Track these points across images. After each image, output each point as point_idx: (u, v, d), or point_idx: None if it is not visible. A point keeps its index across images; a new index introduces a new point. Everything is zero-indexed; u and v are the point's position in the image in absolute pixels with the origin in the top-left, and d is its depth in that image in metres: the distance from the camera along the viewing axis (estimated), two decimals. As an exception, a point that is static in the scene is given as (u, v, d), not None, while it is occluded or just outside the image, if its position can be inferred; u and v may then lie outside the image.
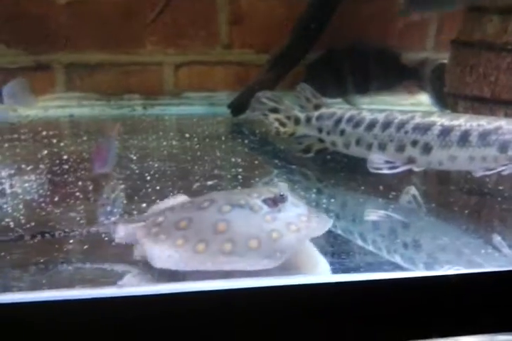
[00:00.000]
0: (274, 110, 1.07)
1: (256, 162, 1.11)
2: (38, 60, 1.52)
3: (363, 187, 0.93)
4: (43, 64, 1.52)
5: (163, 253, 0.57)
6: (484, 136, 0.83)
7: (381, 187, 0.91)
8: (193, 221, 0.59)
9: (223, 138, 1.27)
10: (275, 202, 0.60)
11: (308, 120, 1.02)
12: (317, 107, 1.02)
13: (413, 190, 0.92)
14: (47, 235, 0.63)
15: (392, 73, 1.46)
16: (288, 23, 1.48)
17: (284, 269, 0.57)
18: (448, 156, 0.85)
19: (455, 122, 0.85)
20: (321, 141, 1.02)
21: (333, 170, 1.03)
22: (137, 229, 0.62)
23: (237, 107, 1.44)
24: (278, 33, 1.50)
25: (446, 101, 1.29)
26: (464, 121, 0.85)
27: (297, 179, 1.01)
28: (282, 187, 0.63)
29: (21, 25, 1.47)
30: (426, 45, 1.61)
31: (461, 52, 1.17)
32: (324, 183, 0.99)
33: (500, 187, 0.91)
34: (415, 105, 1.56)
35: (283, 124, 1.07)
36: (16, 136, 1.21)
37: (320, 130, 1.00)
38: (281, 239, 0.56)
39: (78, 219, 0.75)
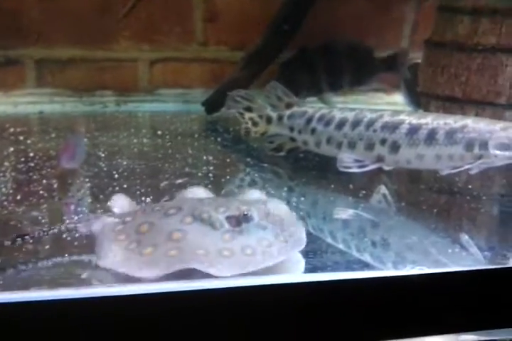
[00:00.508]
0: (248, 109, 1.06)
1: (228, 160, 1.10)
2: (7, 55, 1.48)
3: (333, 186, 0.93)
4: (13, 59, 1.49)
5: (112, 253, 0.56)
6: (451, 134, 0.83)
7: (351, 186, 0.91)
8: (154, 226, 0.59)
9: (196, 136, 1.26)
10: (238, 221, 0.57)
11: (280, 119, 1.01)
12: (289, 106, 1.01)
13: (383, 189, 0.92)
14: (26, 237, 0.62)
15: (364, 68, 1.46)
16: (263, 20, 1.47)
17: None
18: (415, 155, 0.85)
19: (422, 121, 0.86)
20: (292, 139, 1.02)
21: (305, 169, 1.02)
22: (106, 225, 0.61)
23: (211, 105, 1.43)
24: (253, 31, 1.49)
25: (419, 101, 1.30)
26: (431, 120, 0.86)
27: (269, 177, 1.01)
28: (257, 203, 0.61)
29: (-10, 19, 1.44)
30: (401, 44, 1.62)
31: (433, 53, 1.18)
32: (295, 182, 0.99)
33: (470, 186, 0.92)
34: (391, 104, 1.57)
35: (255, 124, 1.06)
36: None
37: (291, 129, 1.00)
38: (231, 259, 0.54)
39: (40, 218, 0.73)
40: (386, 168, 0.91)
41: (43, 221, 0.72)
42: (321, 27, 1.48)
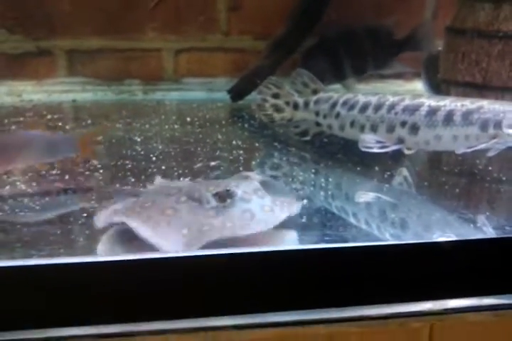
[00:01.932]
0: (276, 96, 1.10)
1: (256, 144, 1.15)
2: (39, 46, 1.54)
3: (358, 168, 0.97)
4: (44, 49, 1.55)
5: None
6: (467, 115, 0.86)
7: (376, 168, 0.96)
8: (154, 203, 0.65)
9: (223, 123, 1.31)
10: (222, 197, 0.62)
11: (307, 105, 1.06)
12: (315, 92, 1.06)
13: (405, 171, 0.96)
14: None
15: (386, 51, 1.49)
16: (286, 10, 1.51)
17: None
18: (434, 136, 0.89)
19: (441, 103, 0.89)
20: (317, 124, 1.06)
21: (330, 153, 1.07)
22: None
23: (237, 93, 1.47)
24: (276, 20, 1.53)
25: (439, 87, 1.33)
26: (449, 102, 0.89)
27: (295, 161, 1.05)
28: (250, 178, 0.67)
29: (23, 12, 1.50)
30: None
31: (454, 39, 1.21)
32: (321, 165, 1.03)
33: (490, 168, 0.96)
34: (410, 91, 1.60)
35: (279, 110, 1.10)
36: (21, 119, 1.24)
37: (317, 114, 1.04)
38: (208, 232, 0.59)
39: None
40: (407, 152, 0.94)
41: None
42: (342, 14, 1.52)
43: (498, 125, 0.84)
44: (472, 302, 0.60)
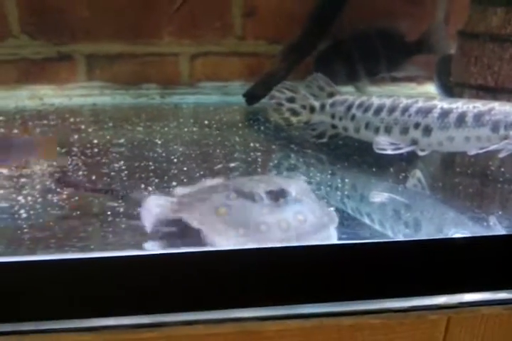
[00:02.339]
0: (291, 100, 1.13)
1: (273, 147, 1.18)
2: (60, 51, 1.59)
3: (374, 169, 1.00)
4: (65, 54, 1.59)
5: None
6: (478, 116, 0.89)
7: (391, 170, 0.99)
8: (204, 200, 0.66)
9: (240, 125, 1.34)
10: (276, 196, 0.62)
11: (323, 107, 1.09)
12: (331, 95, 1.09)
13: (418, 173, 0.98)
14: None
15: (398, 53, 1.51)
16: (300, 14, 1.54)
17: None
18: (446, 137, 0.91)
19: (453, 105, 0.92)
20: (333, 127, 1.09)
21: (346, 154, 1.10)
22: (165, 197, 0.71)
23: (252, 96, 1.50)
24: (290, 25, 1.56)
25: (452, 90, 1.35)
26: (461, 104, 0.91)
27: (312, 162, 1.08)
28: (297, 180, 0.68)
29: (44, 17, 1.54)
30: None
31: (466, 43, 1.24)
32: (337, 166, 1.06)
33: (502, 169, 0.99)
34: (422, 94, 1.62)
35: (296, 113, 1.13)
36: (45, 122, 1.29)
37: (333, 116, 1.07)
38: (267, 233, 0.60)
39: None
40: (421, 153, 0.96)
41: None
42: (355, 18, 1.55)
43: (508, 126, 0.86)
44: (486, 296, 0.62)
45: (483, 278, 0.62)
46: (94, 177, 0.91)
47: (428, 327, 0.61)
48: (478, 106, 0.90)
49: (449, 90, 1.39)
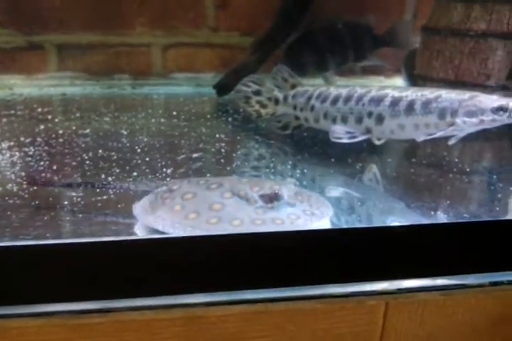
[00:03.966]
0: (257, 92, 1.15)
1: (238, 138, 1.19)
2: (30, 41, 1.58)
3: (333, 160, 1.02)
4: (35, 44, 1.59)
5: (159, 215, 0.66)
6: (426, 104, 0.91)
7: (349, 160, 1.01)
8: (196, 196, 0.69)
9: (208, 117, 1.36)
10: (270, 198, 0.66)
11: (286, 99, 1.11)
12: (294, 86, 1.10)
13: (374, 168, 1.00)
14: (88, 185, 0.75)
15: (365, 44, 1.55)
16: (272, 7, 1.56)
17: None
18: (397, 125, 0.93)
19: (403, 93, 0.94)
20: (296, 118, 1.11)
21: (308, 145, 1.12)
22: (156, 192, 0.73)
23: (222, 88, 1.52)
24: (263, 17, 1.57)
25: (416, 83, 1.38)
26: (410, 92, 0.94)
27: (275, 153, 1.10)
28: (288, 184, 0.71)
29: (15, 6, 1.53)
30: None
31: (429, 38, 1.26)
32: (299, 157, 1.08)
33: (456, 160, 1.02)
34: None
35: (264, 106, 1.15)
36: (12, 112, 1.29)
37: (295, 107, 1.09)
38: (262, 226, 0.63)
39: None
40: (377, 142, 0.98)
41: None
42: (325, 12, 1.57)
43: (454, 113, 0.89)
44: (424, 282, 0.65)
45: (422, 265, 0.64)
46: (55, 168, 0.92)
47: (367, 312, 0.63)
48: (426, 94, 0.92)
49: (415, 83, 1.42)
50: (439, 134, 0.90)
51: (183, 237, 0.58)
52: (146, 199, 0.73)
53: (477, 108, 0.89)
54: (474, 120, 0.89)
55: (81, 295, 0.58)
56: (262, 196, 0.67)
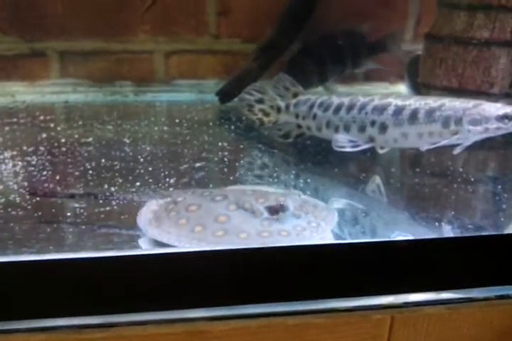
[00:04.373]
0: (260, 101, 1.14)
1: (241, 146, 1.19)
2: (33, 47, 1.58)
3: (336, 170, 1.02)
4: (38, 51, 1.59)
5: (164, 228, 0.66)
6: (430, 113, 0.91)
7: (353, 169, 1.01)
8: (201, 208, 0.68)
9: (211, 124, 1.35)
10: (276, 210, 0.66)
11: (287, 107, 1.10)
12: (295, 95, 1.10)
13: (378, 179, 0.99)
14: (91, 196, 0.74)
15: (360, 52, 1.56)
16: (274, 13, 1.56)
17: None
18: (401, 134, 0.93)
19: (407, 102, 0.93)
20: (299, 126, 1.10)
21: (311, 154, 1.11)
22: (158, 203, 0.73)
23: (225, 95, 1.51)
24: (264, 24, 1.57)
25: (420, 91, 1.38)
26: (413, 101, 0.93)
27: (278, 162, 1.10)
28: (293, 195, 0.71)
29: (17, 13, 1.54)
30: (405, 37, 1.70)
31: (432, 46, 1.26)
32: (301, 166, 1.08)
33: (461, 170, 1.01)
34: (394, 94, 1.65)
35: (267, 114, 1.15)
36: (15, 120, 1.29)
37: (297, 116, 1.09)
38: (269, 238, 0.63)
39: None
40: (380, 151, 0.98)
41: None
42: (327, 20, 1.57)
43: (458, 121, 0.89)
44: (429, 296, 0.65)
45: (427, 279, 0.64)
46: (57, 178, 0.91)
47: (372, 326, 0.63)
48: (430, 102, 0.92)
49: (419, 90, 1.42)
50: (443, 143, 0.90)
51: (185, 252, 0.57)
52: (150, 210, 0.73)
53: (481, 116, 0.88)
54: (479, 128, 0.88)
55: (83, 310, 0.58)
56: (267, 208, 0.67)
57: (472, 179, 0.98)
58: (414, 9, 1.67)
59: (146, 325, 0.59)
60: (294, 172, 1.03)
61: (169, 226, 0.66)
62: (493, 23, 1.14)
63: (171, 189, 0.86)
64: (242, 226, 0.64)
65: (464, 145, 0.90)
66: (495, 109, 0.89)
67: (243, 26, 1.66)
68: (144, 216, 0.71)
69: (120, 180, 0.92)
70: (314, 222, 0.67)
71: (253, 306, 0.60)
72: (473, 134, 0.89)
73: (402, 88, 1.67)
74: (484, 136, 0.90)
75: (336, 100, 1.02)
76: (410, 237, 0.64)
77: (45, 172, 0.94)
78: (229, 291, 0.59)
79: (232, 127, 1.33)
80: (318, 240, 0.65)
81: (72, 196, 0.79)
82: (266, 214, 0.66)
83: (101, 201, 0.78)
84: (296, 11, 1.53)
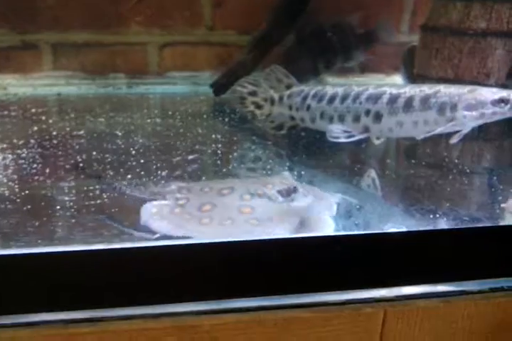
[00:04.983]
0: (253, 93, 1.13)
1: (235, 138, 1.18)
2: (25, 40, 1.56)
3: (331, 161, 1.01)
4: (30, 43, 1.57)
5: (188, 231, 0.63)
6: (425, 100, 0.89)
7: (348, 161, 1.00)
8: (216, 206, 0.67)
9: (205, 116, 1.34)
10: (288, 192, 0.68)
11: (281, 99, 1.09)
12: (289, 87, 1.09)
13: (373, 173, 0.98)
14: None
15: (350, 44, 1.54)
16: (269, 5, 1.54)
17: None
18: (396, 122, 0.91)
19: (401, 90, 0.92)
20: (292, 118, 1.09)
21: (305, 146, 1.10)
22: (161, 206, 0.70)
23: (219, 87, 1.50)
24: (260, 15, 1.55)
25: (416, 81, 1.36)
26: (408, 89, 0.91)
27: (271, 154, 1.09)
28: (286, 177, 0.74)
29: (9, 5, 1.51)
30: (401, 28, 1.68)
31: (428, 36, 1.25)
32: (296, 158, 1.06)
33: (456, 161, 1.00)
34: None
35: (260, 107, 1.13)
36: (5, 112, 1.27)
37: (290, 107, 1.07)
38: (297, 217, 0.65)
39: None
40: (376, 142, 0.96)
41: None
42: (322, 12, 1.55)
43: (454, 107, 0.87)
44: (422, 289, 0.64)
45: (420, 272, 0.63)
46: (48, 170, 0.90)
47: (364, 320, 0.62)
48: (425, 89, 0.90)
49: (415, 81, 1.41)
50: (438, 130, 0.88)
51: (172, 245, 0.56)
52: (153, 209, 0.69)
53: (477, 101, 0.86)
54: (474, 113, 0.86)
55: (69, 305, 0.57)
56: (279, 191, 0.68)
57: (467, 170, 0.97)
58: (410, 0, 1.65)
59: (133, 320, 0.58)
60: (287, 164, 1.02)
61: (195, 228, 0.64)
62: (490, 13, 1.13)
63: (161, 186, 0.83)
64: (269, 212, 0.65)
65: (461, 133, 0.88)
66: (490, 93, 0.87)
67: (238, 18, 1.64)
68: (148, 215, 0.68)
69: (111, 173, 0.90)
70: (319, 198, 0.70)
71: (243, 300, 0.59)
72: (469, 120, 0.87)
73: (398, 79, 1.66)
74: (480, 121, 0.88)
75: (329, 90, 1.00)
76: (403, 229, 0.63)
77: (35, 165, 0.92)
78: (218, 285, 0.58)
79: (226, 119, 1.31)
80: (321, 225, 0.65)
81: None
82: (281, 198, 0.68)
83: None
84: (291, 3, 1.51)
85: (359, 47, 1.55)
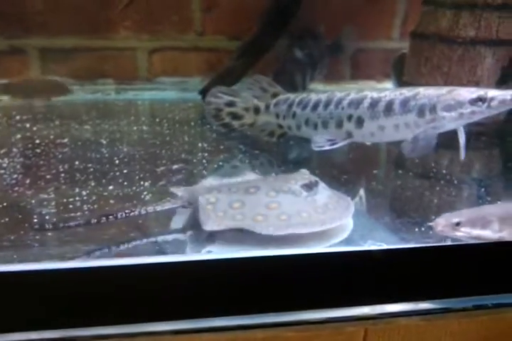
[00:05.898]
0: (230, 104, 1.11)
1: (221, 147, 1.16)
2: (12, 44, 1.54)
3: (317, 171, 0.99)
4: (17, 48, 1.55)
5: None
6: (404, 103, 0.88)
7: (335, 172, 0.99)
8: (245, 203, 0.69)
9: (193, 124, 1.32)
10: (310, 186, 0.71)
11: (267, 108, 1.08)
12: (275, 95, 1.08)
13: (361, 191, 0.96)
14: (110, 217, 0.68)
15: (323, 54, 1.53)
16: (259, 11, 1.53)
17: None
18: (377, 127, 0.91)
19: (382, 94, 0.91)
20: (280, 126, 1.08)
21: (293, 155, 1.09)
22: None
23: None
24: (250, 21, 1.54)
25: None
26: (389, 92, 0.91)
27: (259, 163, 1.07)
28: (305, 172, 0.76)
29: (-4, 10, 1.50)
30: (392, 35, 1.68)
31: (417, 44, 1.24)
32: (283, 168, 1.05)
33: (444, 171, 0.99)
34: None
35: (238, 117, 1.11)
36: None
37: (277, 116, 1.06)
38: (325, 214, 0.68)
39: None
40: (368, 143, 0.97)
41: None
42: (313, 18, 1.54)
43: (433, 109, 0.86)
44: (404, 307, 0.63)
45: (402, 289, 0.62)
46: (29, 181, 0.88)
47: (345, 338, 0.61)
48: (404, 92, 0.90)
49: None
50: (418, 131, 0.87)
51: (148, 264, 0.55)
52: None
53: (455, 101, 0.86)
54: (453, 114, 0.86)
55: (42, 324, 0.55)
56: (303, 186, 0.71)
57: (455, 181, 0.96)
58: (401, 7, 1.64)
59: (108, 339, 0.56)
60: (273, 174, 1.01)
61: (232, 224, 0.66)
62: (479, 21, 1.12)
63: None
64: (297, 208, 0.68)
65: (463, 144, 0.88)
66: (468, 93, 0.86)
67: (228, 23, 1.63)
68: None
69: (93, 184, 0.89)
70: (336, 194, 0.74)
71: (221, 319, 0.58)
72: (448, 121, 0.87)
73: (389, 86, 1.65)
74: (460, 122, 0.88)
75: (313, 97, 1.00)
76: (385, 246, 0.62)
77: (15, 176, 0.91)
78: (195, 304, 0.57)
79: (214, 127, 1.30)
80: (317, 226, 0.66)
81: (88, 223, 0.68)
82: (305, 192, 0.69)
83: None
84: (281, 9, 1.50)
85: (326, 58, 1.55)
